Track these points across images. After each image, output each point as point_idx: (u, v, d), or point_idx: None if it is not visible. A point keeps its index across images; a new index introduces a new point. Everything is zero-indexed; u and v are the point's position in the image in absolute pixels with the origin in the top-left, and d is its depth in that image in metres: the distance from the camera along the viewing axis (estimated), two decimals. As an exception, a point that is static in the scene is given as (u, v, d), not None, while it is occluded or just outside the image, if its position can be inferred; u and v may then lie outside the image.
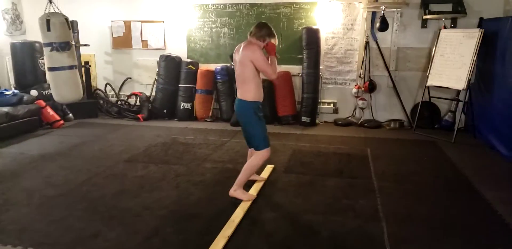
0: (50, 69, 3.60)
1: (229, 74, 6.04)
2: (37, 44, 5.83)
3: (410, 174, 3.80)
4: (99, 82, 6.93)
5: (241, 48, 3.02)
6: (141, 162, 4.15)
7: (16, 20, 6.12)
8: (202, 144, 4.84)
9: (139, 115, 6.30)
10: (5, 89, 5.53)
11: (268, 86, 5.95)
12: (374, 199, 3.19)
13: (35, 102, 5.61)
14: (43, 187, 3.41)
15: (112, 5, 6.50)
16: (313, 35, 5.75)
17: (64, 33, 3.55)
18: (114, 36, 6.61)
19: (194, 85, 6.22)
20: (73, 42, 3.72)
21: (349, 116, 6.13)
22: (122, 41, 6.62)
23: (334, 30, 5.87)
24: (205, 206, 3.04)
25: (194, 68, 6.20)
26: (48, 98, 5.96)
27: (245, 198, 3.08)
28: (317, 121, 6.08)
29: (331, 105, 6.18)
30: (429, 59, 5.44)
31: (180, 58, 6.28)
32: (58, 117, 5.84)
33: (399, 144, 4.99)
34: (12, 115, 5.06)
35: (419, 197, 3.24)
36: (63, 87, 3.70)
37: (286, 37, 6.03)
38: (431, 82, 5.30)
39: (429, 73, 5.31)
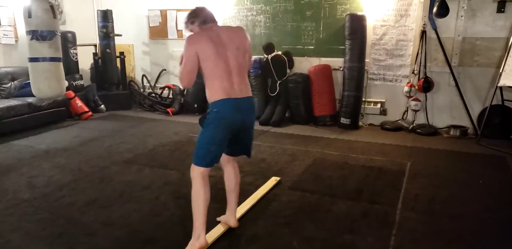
0: (30, 59, 3.35)
1: (262, 68, 5.45)
2: (69, 34, 5.76)
3: (454, 204, 2.91)
4: (137, 73, 6.78)
5: (231, 29, 2.39)
6: (139, 164, 3.78)
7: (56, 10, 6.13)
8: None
9: (168, 109, 6.01)
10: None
11: (304, 82, 5.26)
12: (387, 237, 2.41)
13: (65, 93, 5.57)
14: (20, 189, 3.17)
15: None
16: (358, 23, 4.89)
17: (47, 21, 3.26)
18: (150, 25, 6.36)
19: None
20: (58, 32, 3.42)
21: (398, 120, 5.19)
22: (159, 31, 6.35)
23: (384, 17, 4.94)
24: (170, 229, 2.54)
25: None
26: (80, 89, 5.94)
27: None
28: (360, 123, 5.24)
29: (378, 105, 5.28)
30: (505, 52, 4.28)
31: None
32: (86, 109, 5.76)
33: (453, 157, 4.01)
34: (35, 106, 5.03)
35: (457, 245, 2.38)
36: (41, 81, 3.42)
37: (327, 26, 5.24)
38: (504, 81, 4.17)
39: (502, 71, 4.18)
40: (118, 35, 6.02)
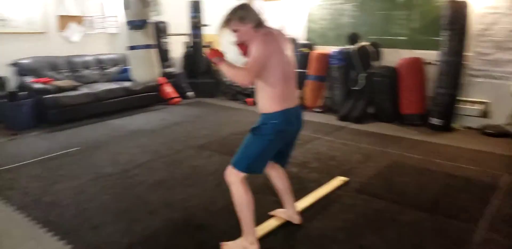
0: (128, 47, 3.61)
1: (346, 59, 5.17)
2: (161, 24, 6.13)
3: (554, 229, 2.42)
4: (224, 62, 6.96)
5: (281, 34, 2.11)
6: (211, 149, 3.88)
7: (151, 2, 6.57)
8: (287, 138, 4.26)
9: (247, 100, 6.08)
10: (126, 67, 6.03)
11: (391, 75, 4.86)
12: (459, 259, 2.11)
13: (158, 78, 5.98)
14: (104, 164, 3.50)
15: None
16: (458, 11, 4.30)
17: (141, 11, 3.48)
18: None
19: (306, 70, 5.56)
20: (149, 21, 3.62)
21: (505, 124, 4.49)
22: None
23: (494, 3, 4.27)
24: (224, 218, 2.55)
25: (308, 51, 5.53)
26: (170, 76, 6.31)
27: None
28: (454, 125, 4.67)
29: (479, 106, 4.64)
30: None
31: (294, 40, 5.69)
32: (174, 95, 6.11)
33: None
34: (130, 90, 5.49)
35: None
36: (138, 67, 3.66)
37: (422, 14, 4.74)
38: None
39: None
40: (205, 25, 6.23)
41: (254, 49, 1.93)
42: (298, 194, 2.81)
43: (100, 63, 5.81)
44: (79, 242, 2.25)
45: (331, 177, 3.16)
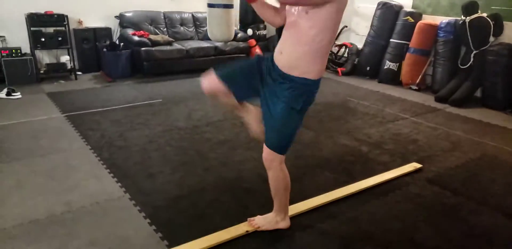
0: (208, 5, 3.55)
1: (455, 32, 4.48)
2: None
3: None
4: (320, 28, 6.60)
5: None
6: (282, 117, 3.77)
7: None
8: (368, 114, 3.92)
9: (338, 69, 5.72)
10: (226, 25, 6.04)
11: (510, 55, 4.08)
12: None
13: (248, 41, 5.94)
14: (179, 118, 3.64)
15: None
16: None
17: None
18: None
19: (408, 42, 4.97)
20: None
21: None
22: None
23: None
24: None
25: (413, 21, 4.89)
26: (262, 39, 6.20)
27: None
28: None
29: None
30: None
31: (400, 7, 5.07)
32: (263, 58, 6.03)
33: None
34: (220, 50, 5.55)
35: None
36: (214, 26, 3.60)
37: None
38: None
39: None
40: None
41: None
42: (360, 175, 2.59)
43: (196, 21, 5.94)
44: (132, 187, 2.39)
45: (404, 162, 2.84)
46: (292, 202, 2.12)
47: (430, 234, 2.02)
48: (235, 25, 5.30)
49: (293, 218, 2.07)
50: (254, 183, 2.49)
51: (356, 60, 5.69)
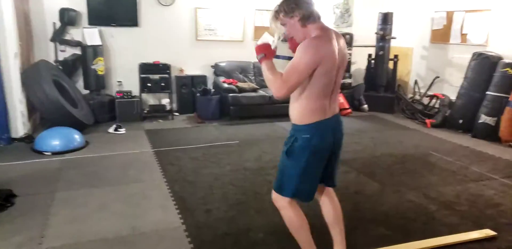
0: (275, 56, 3.82)
1: None
2: (347, 36, 6.16)
3: None
4: (412, 78, 6.46)
5: (339, 35, 1.84)
6: (351, 166, 3.72)
7: (345, 14, 6.64)
8: (448, 171, 3.65)
9: (427, 120, 5.45)
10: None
11: None
12: None
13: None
14: (249, 158, 3.88)
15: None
16: None
17: None
18: (433, 28, 5.84)
19: (507, 95, 4.57)
20: None
21: None
22: (441, 35, 5.75)
23: None
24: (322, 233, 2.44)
25: (512, 73, 4.53)
26: (347, 87, 6.28)
27: None
28: None
29: None
30: None
31: (498, 58, 4.75)
32: (346, 106, 6.07)
33: None
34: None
35: None
36: None
37: None
38: None
39: None
40: (393, 38, 5.90)
41: (298, 54, 1.67)
42: (417, 235, 2.42)
43: (283, 70, 6.34)
44: (190, 220, 2.61)
45: (475, 227, 2.57)
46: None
47: None
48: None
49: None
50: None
51: (448, 112, 5.37)
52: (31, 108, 4.66)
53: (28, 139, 4.34)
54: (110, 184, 3.22)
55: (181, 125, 5.28)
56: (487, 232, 2.48)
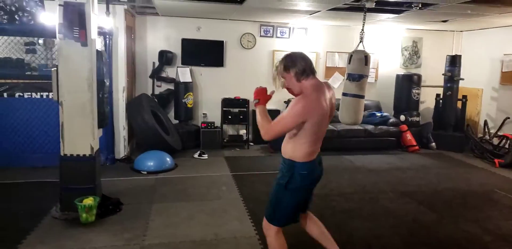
0: (342, 94, 4.21)
1: None
2: (415, 76, 6.44)
3: None
4: (482, 118, 6.49)
5: (329, 88, 2.17)
6: (412, 198, 3.96)
7: (414, 56, 6.95)
8: (510, 208, 3.72)
9: (496, 160, 5.44)
10: (379, 112, 6.60)
11: None
12: None
13: (399, 126, 6.32)
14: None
15: (504, 38, 5.88)
16: None
17: (358, 67, 4.03)
18: (503, 70, 5.93)
19: None
20: (367, 75, 4.11)
21: None
22: (511, 77, 5.82)
23: None
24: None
25: None
26: (415, 125, 6.47)
27: None
28: None
29: None
30: None
31: None
32: (414, 143, 6.23)
33: None
34: (369, 133, 6.12)
35: None
36: (344, 111, 4.22)
37: None
38: None
39: None
40: (461, 79, 6.07)
41: (288, 108, 1.98)
42: None
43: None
44: (262, 231, 3.02)
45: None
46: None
47: None
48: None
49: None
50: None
51: (519, 152, 5.34)
52: (130, 134, 5.59)
53: (128, 160, 5.21)
54: (196, 199, 3.83)
55: (256, 153, 5.87)
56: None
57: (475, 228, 3.22)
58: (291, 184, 2.09)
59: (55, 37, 3.24)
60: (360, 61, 4.00)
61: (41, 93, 4.68)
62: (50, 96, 4.66)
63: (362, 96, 4.16)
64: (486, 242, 2.96)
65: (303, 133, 2.03)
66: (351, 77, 4.06)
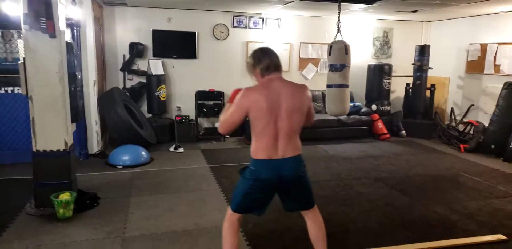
0: (327, 86, 4.31)
1: None
2: (386, 66, 6.63)
3: None
4: (448, 106, 6.77)
5: (294, 87, 2.12)
6: (385, 183, 4.13)
7: (384, 46, 7.15)
8: (475, 189, 3.95)
9: (461, 145, 5.72)
10: (351, 102, 6.73)
11: None
12: None
13: (371, 115, 6.50)
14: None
15: (470, 28, 6.14)
16: None
17: (339, 56, 4.13)
18: (468, 60, 6.21)
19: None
20: (349, 64, 4.22)
21: None
22: (475, 66, 6.12)
23: None
24: (350, 238, 2.87)
25: (541, 100, 4.79)
26: (386, 114, 6.68)
27: None
28: None
29: None
30: None
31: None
32: (385, 131, 6.44)
33: None
34: (342, 122, 6.26)
35: None
36: (330, 102, 4.32)
37: None
38: None
39: None
40: (429, 68, 6.31)
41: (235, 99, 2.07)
42: (438, 238, 2.80)
43: (324, 97, 6.86)
44: (242, 220, 3.12)
45: (491, 233, 2.90)
46: None
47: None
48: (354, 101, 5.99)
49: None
50: (335, 233, 2.95)
51: (481, 138, 5.62)
52: (103, 129, 5.48)
53: (102, 155, 5.12)
54: (175, 192, 3.84)
55: (232, 146, 5.91)
56: (499, 237, 2.81)
57: (444, 209, 3.40)
58: (243, 173, 2.20)
59: (19, 29, 3.10)
60: (340, 51, 4.08)
61: (5, 88, 4.52)
62: (16, 91, 4.50)
63: (346, 86, 4.26)
64: (454, 221, 3.14)
65: (252, 128, 2.10)
66: (334, 68, 4.14)
